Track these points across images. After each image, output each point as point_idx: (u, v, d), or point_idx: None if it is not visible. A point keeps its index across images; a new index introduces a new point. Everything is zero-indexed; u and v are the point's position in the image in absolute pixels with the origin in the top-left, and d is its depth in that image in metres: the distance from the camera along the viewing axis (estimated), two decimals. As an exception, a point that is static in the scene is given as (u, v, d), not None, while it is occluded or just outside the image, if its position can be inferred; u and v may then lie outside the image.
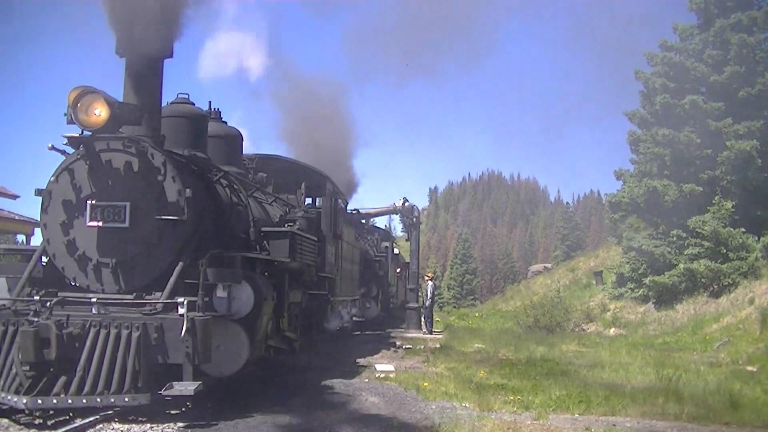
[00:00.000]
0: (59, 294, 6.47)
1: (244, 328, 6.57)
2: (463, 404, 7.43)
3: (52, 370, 5.78)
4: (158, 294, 6.37)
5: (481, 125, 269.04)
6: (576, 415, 7.06)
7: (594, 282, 28.21)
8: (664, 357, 12.17)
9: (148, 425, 5.84)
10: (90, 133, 6.54)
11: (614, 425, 6.54)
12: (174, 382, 5.89)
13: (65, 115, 6.40)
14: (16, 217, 22.11)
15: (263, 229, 8.36)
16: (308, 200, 13.02)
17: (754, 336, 14.08)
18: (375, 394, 7.79)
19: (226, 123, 10.01)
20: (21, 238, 23.55)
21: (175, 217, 6.58)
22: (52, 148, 6.68)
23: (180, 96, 8.58)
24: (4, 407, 5.82)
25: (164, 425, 5.86)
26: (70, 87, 6.38)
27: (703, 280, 19.21)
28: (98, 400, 5.68)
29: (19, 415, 5.92)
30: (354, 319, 18.87)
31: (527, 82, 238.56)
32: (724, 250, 19.16)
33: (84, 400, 5.66)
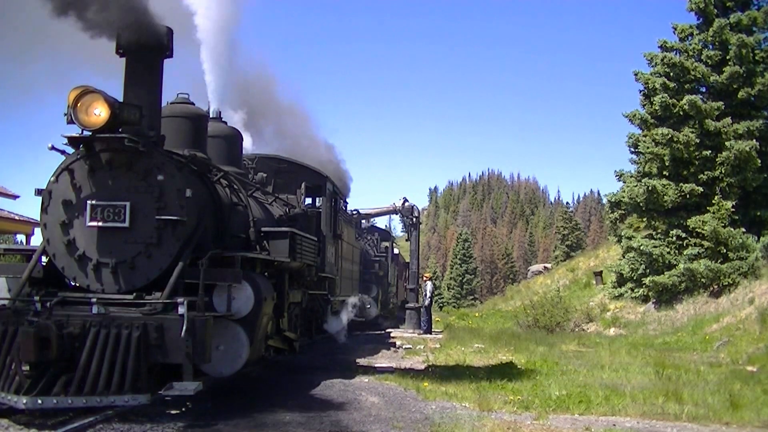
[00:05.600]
0: (59, 294, 6.48)
1: (244, 328, 6.58)
2: (463, 404, 7.42)
3: (52, 370, 5.78)
4: (158, 294, 6.37)
5: (481, 125, 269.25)
6: (576, 415, 7.06)
7: (594, 282, 28.18)
8: (664, 357, 12.16)
9: (148, 425, 5.84)
10: (90, 133, 6.54)
11: (614, 425, 6.54)
12: (174, 382, 5.89)
13: (65, 115, 6.40)
14: (16, 217, 22.10)
15: (263, 229, 8.37)
16: (308, 200, 13.03)
17: (754, 336, 14.07)
18: (375, 394, 7.79)
19: (226, 123, 10.02)
20: (21, 238, 23.55)
21: (175, 217, 6.58)
22: (52, 148, 6.68)
23: (180, 96, 8.58)
24: (4, 407, 5.82)
25: (164, 425, 5.87)
26: (71, 87, 6.38)
27: (703, 280, 19.20)
28: (98, 400, 5.68)
29: (19, 415, 5.92)
30: (354, 319, 18.92)
31: (527, 79, 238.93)
32: (724, 250, 19.15)
33: (84, 400, 5.66)
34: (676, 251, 20.71)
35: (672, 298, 20.18)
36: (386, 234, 27.53)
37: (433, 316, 21.21)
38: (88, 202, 6.59)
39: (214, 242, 7.31)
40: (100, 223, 6.56)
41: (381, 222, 65.03)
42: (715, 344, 14.51)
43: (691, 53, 21.97)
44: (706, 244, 19.67)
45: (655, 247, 20.87)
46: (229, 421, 6.05)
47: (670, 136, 20.39)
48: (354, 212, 19.13)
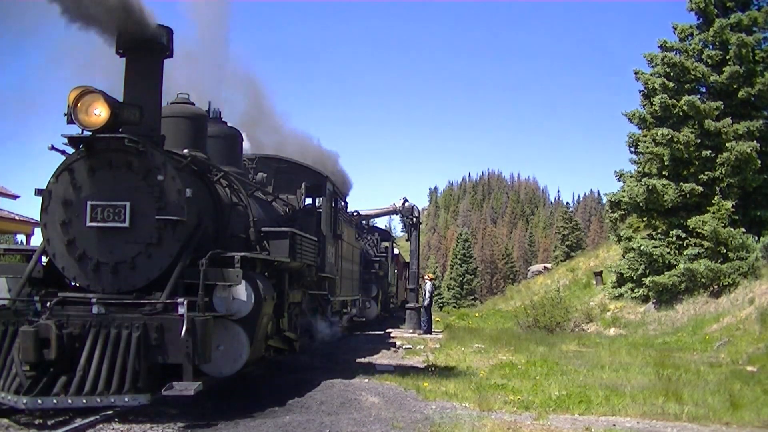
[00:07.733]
0: (59, 294, 6.48)
1: (244, 328, 6.58)
2: (463, 404, 7.42)
3: (52, 370, 5.78)
4: (158, 294, 6.37)
5: (481, 125, 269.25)
6: (576, 415, 7.06)
7: (594, 282, 28.17)
8: (664, 357, 12.15)
9: (148, 425, 5.84)
10: (90, 133, 6.54)
11: (614, 425, 6.54)
12: (174, 382, 5.89)
13: (65, 115, 6.40)
14: (16, 217, 22.11)
15: (263, 229, 8.37)
16: (308, 200, 13.02)
17: (754, 336, 14.06)
18: (375, 394, 7.78)
19: (225, 123, 10.01)
20: (21, 238, 23.55)
21: (175, 217, 6.58)
22: (52, 148, 6.68)
23: (180, 96, 8.58)
24: (4, 407, 5.82)
25: (164, 425, 5.87)
26: (71, 86, 6.38)
27: (703, 280, 19.18)
28: (98, 400, 5.69)
29: (19, 415, 5.92)
30: (354, 319, 18.93)
31: (528, 80, 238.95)
32: (724, 250, 19.13)
33: (84, 400, 5.66)
34: (676, 251, 20.70)
35: (672, 298, 20.17)
36: (386, 234, 27.52)
37: (433, 316, 21.20)
38: (88, 202, 6.58)
39: (214, 242, 7.31)
40: (100, 223, 6.56)
41: (381, 222, 65.00)
42: (715, 344, 14.50)
43: (691, 53, 21.95)
44: (706, 244, 19.66)
45: (655, 247, 20.86)
46: (229, 421, 6.05)
47: (670, 136, 20.38)
48: (354, 213, 19.13)
